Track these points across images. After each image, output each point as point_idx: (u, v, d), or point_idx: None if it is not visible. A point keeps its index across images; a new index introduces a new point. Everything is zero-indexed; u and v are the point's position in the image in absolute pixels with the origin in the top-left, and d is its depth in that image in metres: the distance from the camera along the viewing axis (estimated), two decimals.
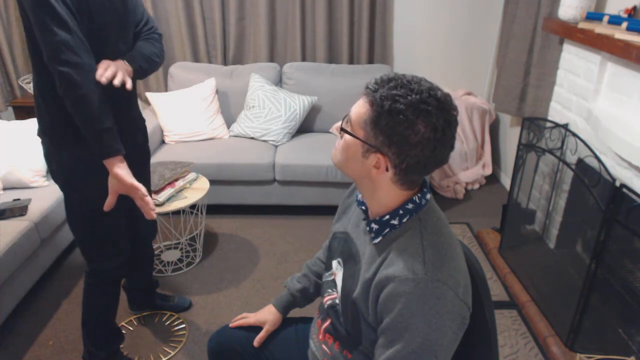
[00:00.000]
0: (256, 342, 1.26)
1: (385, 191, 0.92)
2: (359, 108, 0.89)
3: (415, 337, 0.83)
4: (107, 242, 1.60)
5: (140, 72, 1.52)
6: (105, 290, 1.71)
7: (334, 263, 1.10)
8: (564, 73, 2.24)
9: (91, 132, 1.32)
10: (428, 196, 0.95)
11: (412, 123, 0.82)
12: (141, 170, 1.76)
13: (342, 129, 0.93)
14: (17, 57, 3.23)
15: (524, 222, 2.51)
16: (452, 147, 0.88)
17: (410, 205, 0.92)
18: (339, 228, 1.12)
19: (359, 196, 1.03)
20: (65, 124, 1.38)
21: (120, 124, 1.40)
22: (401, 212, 0.92)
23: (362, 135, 0.88)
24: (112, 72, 1.35)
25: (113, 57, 1.42)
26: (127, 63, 1.44)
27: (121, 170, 1.35)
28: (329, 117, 3.20)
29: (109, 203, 1.40)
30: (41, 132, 1.46)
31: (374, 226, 0.95)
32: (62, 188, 1.53)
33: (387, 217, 0.93)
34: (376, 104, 0.85)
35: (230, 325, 1.32)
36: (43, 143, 1.48)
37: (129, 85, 1.39)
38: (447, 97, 0.86)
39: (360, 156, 0.90)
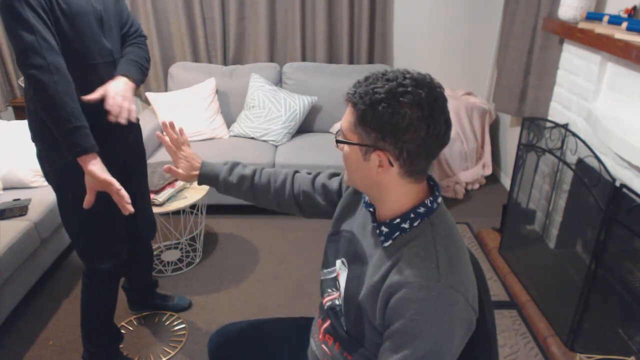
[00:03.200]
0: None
1: (395, 191, 0.91)
2: (346, 116, 0.90)
3: (425, 343, 0.83)
4: (103, 242, 1.60)
5: (138, 83, 1.54)
6: (103, 290, 1.71)
7: (338, 262, 1.09)
8: (564, 73, 2.24)
9: (61, 132, 1.31)
10: (439, 199, 0.94)
11: (396, 108, 0.82)
12: (137, 170, 1.75)
13: (337, 141, 0.93)
14: None
15: (524, 222, 2.51)
16: (446, 123, 0.87)
17: (421, 209, 0.91)
18: (345, 227, 1.10)
19: (367, 198, 1.01)
20: None
21: (111, 124, 1.40)
22: (412, 215, 0.91)
23: (356, 139, 0.88)
24: (124, 107, 1.41)
25: (100, 55, 1.43)
26: (129, 79, 1.45)
27: (94, 167, 1.34)
28: (329, 117, 3.20)
29: (87, 201, 1.39)
30: (33, 136, 1.47)
31: (384, 229, 0.93)
32: (55, 189, 1.53)
33: (398, 220, 0.91)
34: (358, 103, 0.85)
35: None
36: (36, 145, 1.49)
37: (133, 115, 1.44)
38: (424, 75, 0.87)
39: (362, 161, 0.89)
